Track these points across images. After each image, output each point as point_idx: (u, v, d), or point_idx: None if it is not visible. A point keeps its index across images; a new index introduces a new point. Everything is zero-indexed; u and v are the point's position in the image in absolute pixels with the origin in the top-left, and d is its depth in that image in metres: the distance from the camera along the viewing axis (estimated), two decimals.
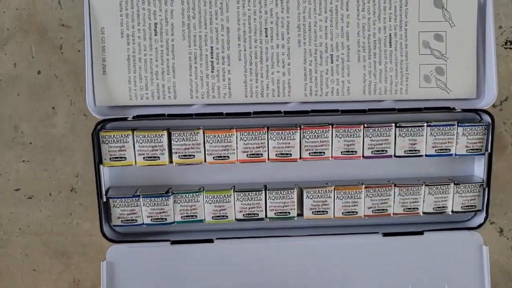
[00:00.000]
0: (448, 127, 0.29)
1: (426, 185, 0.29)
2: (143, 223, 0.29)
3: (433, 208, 0.30)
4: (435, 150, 0.29)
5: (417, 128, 0.29)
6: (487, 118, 0.29)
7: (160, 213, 0.29)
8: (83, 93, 0.36)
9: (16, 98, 0.36)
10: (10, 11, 0.36)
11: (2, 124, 0.36)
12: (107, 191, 0.29)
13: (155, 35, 0.28)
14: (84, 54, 0.29)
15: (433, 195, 0.29)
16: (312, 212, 0.29)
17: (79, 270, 0.37)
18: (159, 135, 0.28)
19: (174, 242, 0.29)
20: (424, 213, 0.30)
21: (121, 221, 0.29)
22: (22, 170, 0.37)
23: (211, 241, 0.29)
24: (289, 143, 0.29)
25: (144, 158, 0.29)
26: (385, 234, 0.29)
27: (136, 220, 0.29)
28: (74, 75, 0.36)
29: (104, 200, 0.29)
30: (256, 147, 0.29)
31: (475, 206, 0.30)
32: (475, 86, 0.29)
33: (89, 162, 0.36)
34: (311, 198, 0.29)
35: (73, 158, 0.36)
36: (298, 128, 0.28)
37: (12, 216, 0.37)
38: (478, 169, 0.30)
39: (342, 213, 0.29)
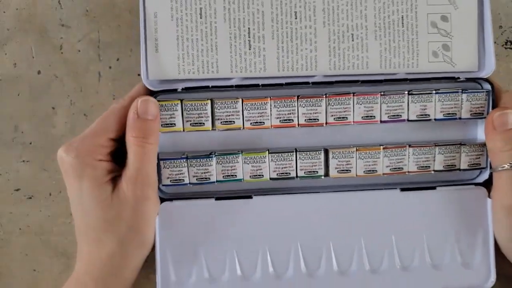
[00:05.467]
0: (454, 94, 0.33)
1: (436, 145, 0.33)
2: (189, 183, 0.33)
3: (443, 166, 0.34)
4: (443, 115, 0.33)
5: (426, 95, 0.33)
6: (487, 86, 0.33)
7: (204, 173, 0.33)
8: (83, 93, 0.36)
9: (16, 98, 0.36)
10: (10, 11, 0.35)
11: (2, 124, 0.35)
12: (157, 156, 0.33)
13: (200, 18, 0.33)
14: (139, 35, 0.33)
15: (442, 154, 0.34)
16: (337, 171, 0.34)
17: None
18: (204, 103, 0.33)
19: (218, 198, 0.33)
20: (435, 171, 0.34)
21: (170, 180, 0.33)
22: (22, 170, 0.36)
23: (250, 197, 0.33)
24: (316, 110, 0.33)
25: (191, 124, 0.33)
26: (403, 189, 0.34)
27: (183, 179, 0.33)
28: (74, 75, 0.36)
29: (156, 161, 0.33)
30: (288, 114, 0.33)
31: (480, 164, 0.34)
32: (477, 60, 0.34)
33: None
34: (336, 159, 0.33)
35: None
36: (324, 96, 0.33)
37: (12, 216, 0.36)
38: (481, 131, 0.34)
39: (364, 171, 0.34)
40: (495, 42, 0.36)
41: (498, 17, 0.37)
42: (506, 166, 0.30)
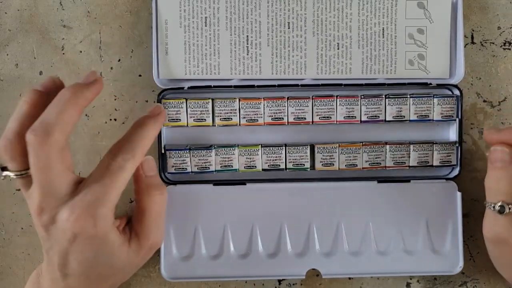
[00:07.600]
0: (426, 98, 0.37)
1: (410, 144, 0.38)
2: (191, 171, 0.38)
3: (417, 162, 0.38)
4: (417, 116, 0.37)
5: (402, 98, 0.37)
6: (456, 91, 0.37)
7: (204, 163, 0.38)
8: None
9: (18, 98, 0.36)
10: (11, 12, 0.36)
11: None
12: (164, 147, 0.38)
13: (205, 26, 0.38)
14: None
15: (416, 151, 0.38)
16: (322, 164, 0.38)
17: None
18: (205, 102, 0.37)
19: (215, 184, 0.38)
20: (410, 166, 0.38)
21: (174, 169, 0.38)
22: None
23: (244, 183, 0.38)
24: (303, 109, 0.37)
25: (194, 120, 0.37)
26: (379, 181, 0.38)
27: (186, 168, 0.38)
28: (76, 76, 0.36)
29: (163, 152, 0.38)
30: (279, 113, 0.37)
31: (450, 161, 0.38)
32: (448, 68, 0.38)
33: (90, 163, 0.37)
34: (321, 153, 0.38)
35: (74, 158, 0.35)
36: (311, 98, 0.37)
37: (14, 216, 0.37)
38: (452, 132, 0.38)
39: (345, 165, 0.38)
40: (493, 43, 0.38)
41: (497, 18, 0.37)
42: (487, 203, 0.32)
